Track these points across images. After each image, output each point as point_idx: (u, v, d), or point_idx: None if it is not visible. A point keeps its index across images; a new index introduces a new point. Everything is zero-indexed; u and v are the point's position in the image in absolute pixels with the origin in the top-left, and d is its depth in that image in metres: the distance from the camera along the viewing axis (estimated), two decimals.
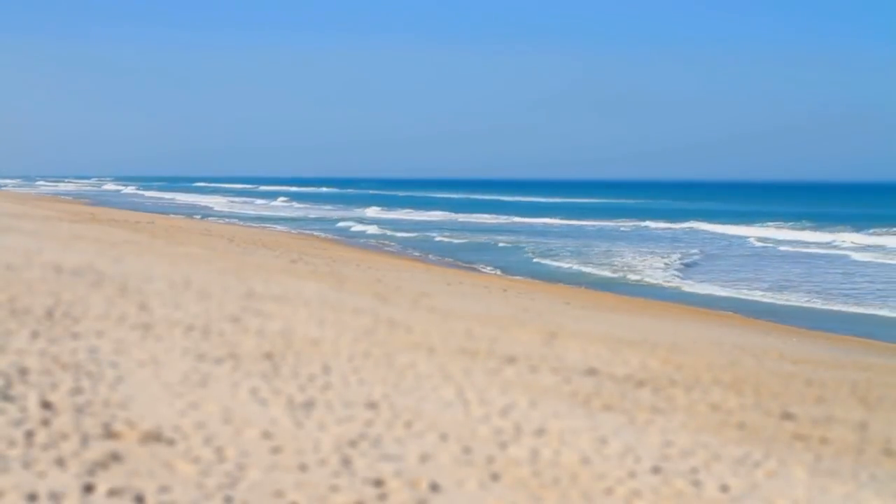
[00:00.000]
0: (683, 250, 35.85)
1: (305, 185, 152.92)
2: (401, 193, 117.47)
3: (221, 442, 5.03)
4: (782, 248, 38.59)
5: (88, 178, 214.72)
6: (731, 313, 18.89)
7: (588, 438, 5.96)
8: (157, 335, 7.75)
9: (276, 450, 5.01)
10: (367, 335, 9.06)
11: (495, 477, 4.99)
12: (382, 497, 4.50)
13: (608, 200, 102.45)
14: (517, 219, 59.92)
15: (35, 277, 10.45)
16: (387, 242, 37.29)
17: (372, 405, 6.20)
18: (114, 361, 6.59)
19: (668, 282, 25.37)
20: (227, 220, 49.21)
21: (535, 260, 31.02)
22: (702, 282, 25.34)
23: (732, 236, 46.37)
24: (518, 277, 24.52)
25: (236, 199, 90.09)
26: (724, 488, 5.23)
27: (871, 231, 46.94)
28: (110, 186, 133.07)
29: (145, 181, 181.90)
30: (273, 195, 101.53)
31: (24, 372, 5.99)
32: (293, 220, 53.95)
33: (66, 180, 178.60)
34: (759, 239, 43.64)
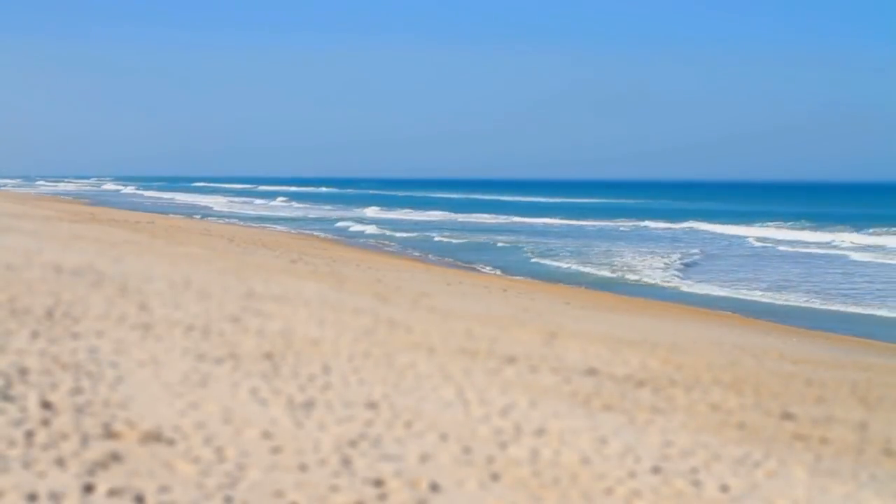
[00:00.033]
0: (683, 250, 35.86)
1: (305, 185, 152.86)
2: (400, 193, 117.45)
3: (221, 442, 5.03)
4: (781, 248, 38.59)
5: (88, 178, 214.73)
6: (730, 313, 18.89)
7: (588, 438, 5.96)
8: (157, 335, 7.75)
9: (276, 450, 5.01)
10: (367, 335, 9.06)
11: (495, 477, 4.99)
12: (382, 497, 4.50)
13: (608, 200, 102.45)
14: (517, 219, 59.92)
15: (35, 277, 10.45)
16: (386, 242, 37.29)
17: (372, 405, 6.20)
18: (114, 361, 6.58)
19: (668, 282, 25.38)
20: (226, 220, 49.21)
21: (534, 260, 31.02)
22: (701, 282, 25.35)
23: (732, 236, 46.37)
24: (518, 277, 24.52)
25: (236, 199, 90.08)
26: (724, 488, 5.23)
27: (871, 231, 46.96)
28: (110, 186, 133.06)
29: (145, 181, 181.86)
30: (272, 195, 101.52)
31: (24, 372, 5.99)
32: (292, 220, 53.95)
33: (66, 180, 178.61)
34: (759, 239, 43.65)
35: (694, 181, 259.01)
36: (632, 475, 5.26)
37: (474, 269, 26.68)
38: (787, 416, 7.53)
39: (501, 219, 60.26)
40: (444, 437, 5.61)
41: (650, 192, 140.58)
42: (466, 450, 5.41)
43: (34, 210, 35.80)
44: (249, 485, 4.45)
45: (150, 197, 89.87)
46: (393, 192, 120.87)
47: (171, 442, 4.93)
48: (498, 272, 26.13)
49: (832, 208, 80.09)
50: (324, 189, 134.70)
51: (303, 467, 4.79)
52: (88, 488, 4.18)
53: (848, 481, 5.75)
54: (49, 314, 8.12)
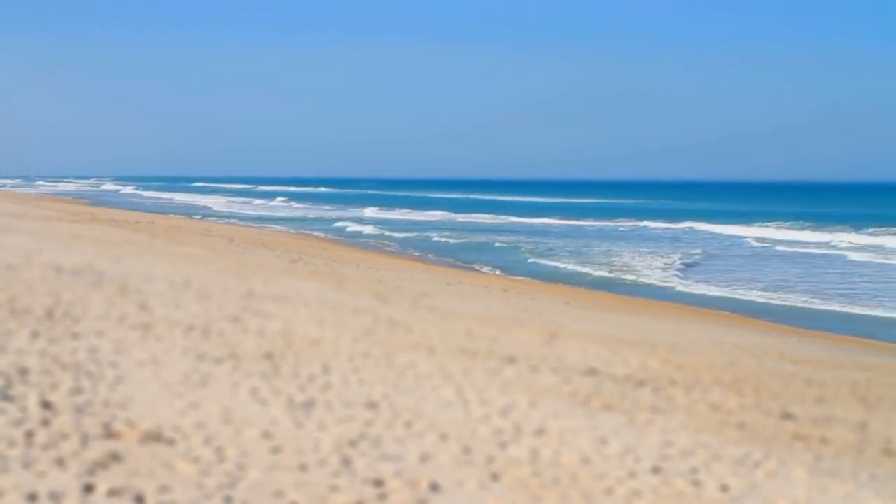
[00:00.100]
0: (682, 250, 35.86)
1: (304, 185, 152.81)
2: (399, 193, 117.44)
3: (221, 442, 5.03)
4: (780, 248, 38.59)
5: (87, 178, 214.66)
6: (729, 313, 18.89)
7: (588, 438, 5.96)
8: (157, 335, 7.75)
9: (276, 450, 5.01)
10: (367, 335, 9.06)
11: (495, 477, 4.99)
12: (382, 497, 4.50)
13: (607, 200, 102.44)
14: (516, 219, 59.91)
15: (35, 277, 10.45)
16: (386, 242, 37.29)
17: (372, 405, 6.20)
18: (114, 361, 6.58)
19: (667, 282, 25.38)
20: (226, 220, 49.19)
21: (534, 260, 31.02)
22: (700, 282, 25.34)
23: (731, 236, 46.37)
24: (518, 277, 24.52)
25: (235, 199, 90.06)
26: (724, 488, 5.23)
27: (869, 231, 46.97)
28: (109, 186, 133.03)
29: (144, 181, 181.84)
30: (271, 195, 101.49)
31: (24, 372, 5.99)
32: (292, 220, 53.94)
33: (66, 180, 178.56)
34: (758, 239, 43.64)
35: (694, 181, 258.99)
36: (632, 475, 5.26)
37: (474, 270, 26.68)
38: (787, 416, 7.53)
39: (501, 219, 60.25)
40: (444, 437, 5.61)
41: (650, 192, 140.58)
42: (466, 450, 5.41)
43: (34, 210, 35.80)
44: (249, 485, 4.45)
45: (150, 197, 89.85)
46: (392, 192, 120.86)
47: (171, 442, 4.93)
48: (498, 272, 26.12)
49: (831, 208, 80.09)
50: (323, 189, 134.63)
51: (303, 467, 4.79)
52: (88, 488, 4.18)
53: (848, 481, 5.75)
54: (49, 314, 8.12)
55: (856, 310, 20.62)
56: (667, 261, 31.18)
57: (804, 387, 9.17)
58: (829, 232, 46.40)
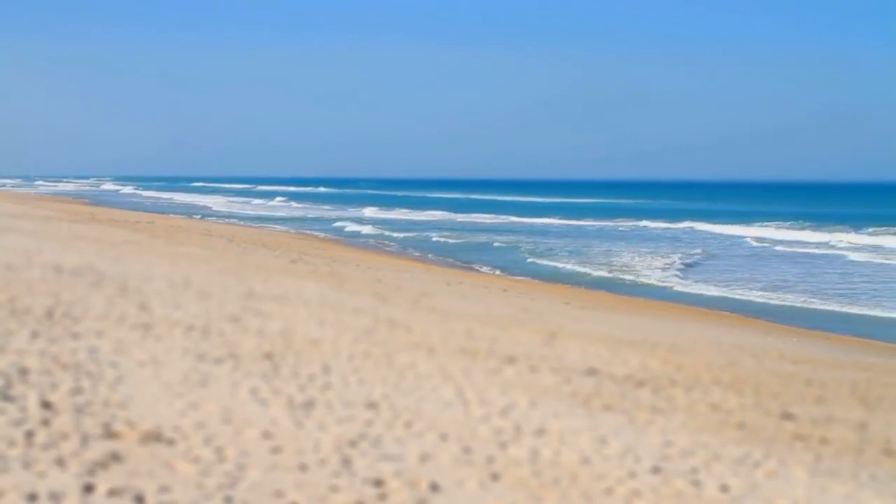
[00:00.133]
0: (682, 250, 35.86)
1: (303, 185, 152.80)
2: (399, 193, 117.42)
3: (221, 442, 5.03)
4: (779, 248, 38.59)
5: (87, 178, 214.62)
6: (729, 313, 18.90)
7: (588, 438, 5.96)
8: (157, 335, 7.75)
9: (276, 450, 5.01)
10: (367, 335, 9.06)
11: (495, 477, 4.99)
12: (382, 497, 4.50)
13: (607, 200, 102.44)
14: (516, 219, 59.91)
15: (35, 277, 10.45)
16: (386, 242, 37.29)
17: (372, 405, 6.20)
18: (114, 361, 6.58)
19: (667, 282, 25.38)
20: (226, 220, 49.19)
21: (534, 260, 31.02)
22: (700, 282, 25.35)
23: (731, 236, 46.37)
24: (518, 277, 24.52)
25: (235, 199, 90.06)
26: (724, 488, 5.23)
27: (869, 231, 46.97)
28: (109, 186, 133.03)
29: (144, 181, 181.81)
30: (271, 195, 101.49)
31: (24, 372, 5.99)
32: (291, 219, 53.93)
33: (65, 180, 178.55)
34: (757, 239, 43.65)
35: (693, 181, 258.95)
36: (632, 475, 5.26)
37: (474, 270, 26.68)
38: (787, 416, 7.53)
39: (500, 219, 60.24)
40: (444, 437, 5.62)
41: (649, 192, 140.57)
42: (466, 450, 5.41)
43: (34, 210, 35.80)
44: (249, 485, 4.45)
45: (149, 197, 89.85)
46: (391, 192, 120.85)
47: (171, 442, 4.93)
48: (497, 272, 26.13)
49: (831, 208, 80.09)
50: (322, 189, 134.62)
51: (303, 467, 4.79)
52: (88, 488, 4.18)
53: (848, 481, 5.76)
54: (49, 314, 8.12)
55: (855, 310, 20.63)
56: (667, 261, 31.19)
57: (804, 387, 9.17)
58: (829, 232, 46.41)
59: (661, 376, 8.66)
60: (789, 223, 55.17)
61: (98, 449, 4.69)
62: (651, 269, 28.54)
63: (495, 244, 37.60)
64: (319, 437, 5.32)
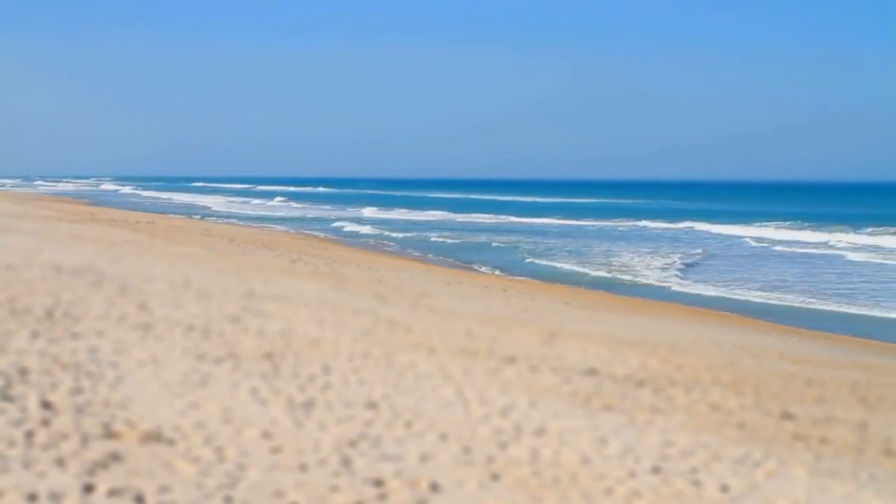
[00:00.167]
0: (682, 250, 35.87)
1: (303, 185, 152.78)
2: (398, 193, 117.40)
3: (221, 442, 5.03)
4: (778, 248, 38.60)
5: (87, 178, 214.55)
6: (728, 313, 18.90)
7: (588, 438, 5.97)
8: (157, 335, 7.75)
9: (276, 450, 5.01)
10: (367, 335, 9.06)
11: (495, 477, 4.99)
12: (382, 497, 4.50)
13: (607, 200, 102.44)
14: (515, 219, 59.92)
15: (35, 277, 10.45)
16: (385, 242, 37.29)
17: (372, 405, 6.20)
18: (114, 361, 6.58)
19: (667, 282, 25.38)
20: (225, 219, 49.18)
21: (533, 260, 31.02)
22: (699, 282, 25.36)
23: (730, 236, 46.38)
24: (517, 277, 24.53)
25: (235, 199, 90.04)
26: (724, 488, 5.23)
27: (868, 231, 46.98)
28: (108, 186, 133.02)
29: (143, 181, 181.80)
30: (270, 195, 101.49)
31: (24, 372, 5.99)
32: (291, 219, 53.92)
33: (65, 180, 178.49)
34: (756, 239, 43.65)
35: (693, 181, 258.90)
36: (632, 475, 5.26)
37: (473, 269, 26.69)
38: (787, 416, 7.53)
39: (500, 219, 60.24)
40: (444, 437, 5.62)
41: (649, 192, 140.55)
42: (466, 450, 5.41)
43: (34, 210, 35.80)
44: (249, 485, 4.45)
45: (149, 197, 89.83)
46: (391, 192, 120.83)
47: (171, 442, 4.93)
48: (497, 272, 26.13)
49: (830, 208, 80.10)
50: (322, 189, 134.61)
51: (303, 467, 4.79)
52: (88, 488, 4.18)
53: (848, 481, 5.76)
54: (49, 314, 8.11)
55: (854, 310, 20.64)
56: (666, 261, 31.19)
57: (804, 387, 9.17)
58: (828, 232, 46.41)
59: (661, 376, 8.66)
60: (788, 223, 55.17)
61: (98, 449, 4.69)
62: (650, 269, 28.55)
63: (495, 244, 37.60)
64: (319, 437, 5.32)
